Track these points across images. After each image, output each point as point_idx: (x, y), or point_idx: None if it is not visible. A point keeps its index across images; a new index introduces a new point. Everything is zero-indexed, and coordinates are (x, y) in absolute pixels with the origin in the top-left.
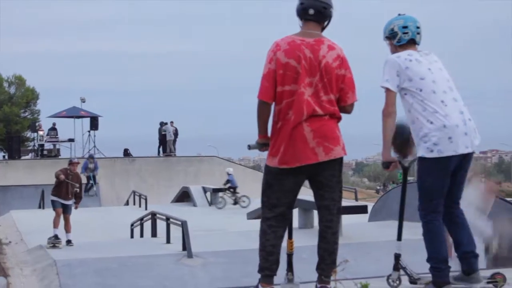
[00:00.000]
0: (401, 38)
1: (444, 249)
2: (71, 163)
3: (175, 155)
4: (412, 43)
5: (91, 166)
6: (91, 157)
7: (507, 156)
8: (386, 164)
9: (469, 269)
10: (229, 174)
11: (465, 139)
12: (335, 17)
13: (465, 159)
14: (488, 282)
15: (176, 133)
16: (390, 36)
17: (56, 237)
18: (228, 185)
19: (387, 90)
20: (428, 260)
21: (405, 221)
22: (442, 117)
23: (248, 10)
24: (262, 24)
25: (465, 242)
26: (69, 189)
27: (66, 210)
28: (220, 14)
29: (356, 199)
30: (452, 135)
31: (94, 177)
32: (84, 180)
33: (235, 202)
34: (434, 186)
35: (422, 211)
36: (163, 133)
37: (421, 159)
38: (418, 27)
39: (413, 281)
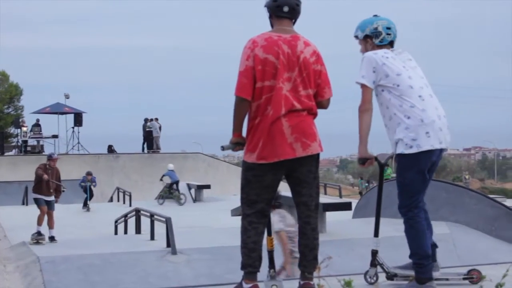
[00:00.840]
0: (384, 39)
1: (427, 245)
2: (50, 158)
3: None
4: (390, 45)
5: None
6: (89, 174)
7: (490, 153)
8: (362, 160)
9: (431, 258)
10: (168, 170)
11: (440, 134)
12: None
13: (438, 155)
14: (464, 279)
15: (159, 129)
16: (372, 34)
17: (39, 233)
18: (168, 181)
19: (363, 86)
20: (411, 256)
21: (388, 218)
22: (420, 112)
23: (233, 6)
24: (248, 20)
25: (427, 235)
26: (50, 185)
27: (49, 206)
28: (208, 9)
29: (340, 196)
30: (429, 129)
31: (91, 189)
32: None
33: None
34: (415, 182)
35: (403, 208)
36: (147, 129)
37: (400, 156)
38: (396, 30)
39: (389, 277)
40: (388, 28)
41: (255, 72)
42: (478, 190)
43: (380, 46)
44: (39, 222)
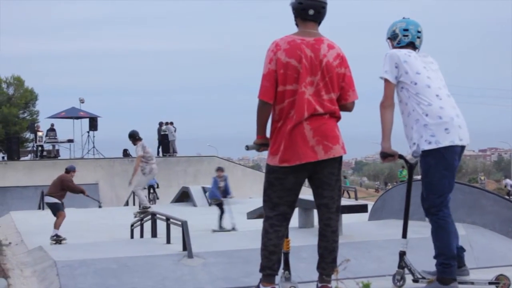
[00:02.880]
0: (401, 40)
1: (454, 246)
2: (74, 170)
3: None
4: (411, 46)
5: (221, 184)
6: (220, 169)
7: (506, 154)
8: (384, 154)
9: (459, 263)
10: None
11: (460, 131)
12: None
13: (460, 152)
14: (490, 283)
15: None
16: (392, 37)
17: (57, 235)
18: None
19: (386, 81)
20: (437, 257)
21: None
22: (438, 109)
23: (250, 9)
24: (263, 23)
25: (455, 238)
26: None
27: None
28: (221, 13)
29: (356, 198)
30: (448, 126)
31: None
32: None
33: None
34: (443, 180)
35: (433, 207)
36: (162, 133)
37: (424, 155)
38: (419, 31)
39: (416, 279)
40: (406, 30)
41: (277, 76)
42: (494, 191)
43: (400, 47)
44: (60, 226)
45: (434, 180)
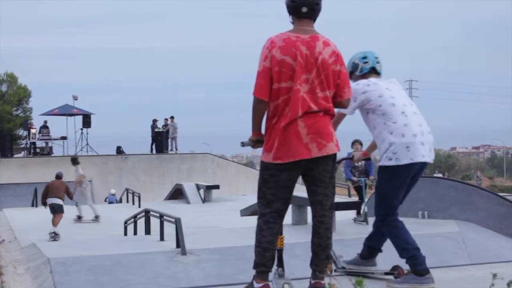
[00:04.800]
0: (363, 68)
1: (412, 239)
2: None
3: (177, 151)
4: (373, 72)
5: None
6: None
7: (499, 151)
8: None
9: (370, 255)
10: (110, 194)
11: (422, 148)
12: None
13: (419, 168)
14: (386, 273)
15: (167, 131)
16: (353, 69)
17: (55, 233)
18: None
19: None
20: (402, 255)
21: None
22: (402, 127)
23: (244, 5)
24: (258, 20)
25: (381, 242)
26: None
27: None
28: (213, 9)
29: (349, 195)
30: (410, 144)
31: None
32: None
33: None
34: (394, 193)
35: (380, 216)
36: (156, 130)
37: (381, 169)
38: (376, 57)
39: (336, 269)
40: (364, 58)
41: (272, 73)
42: (487, 188)
43: (364, 76)
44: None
45: (387, 193)
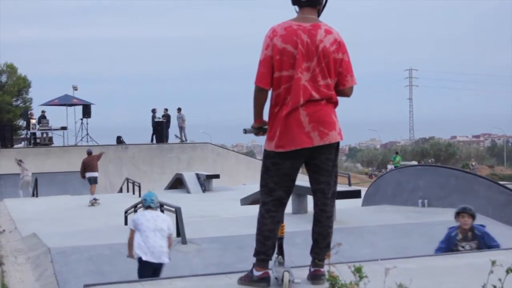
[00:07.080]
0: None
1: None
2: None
3: (186, 140)
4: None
5: None
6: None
7: (499, 140)
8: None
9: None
10: None
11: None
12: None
13: None
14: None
15: (168, 120)
16: None
17: (95, 199)
18: None
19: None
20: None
21: (397, 206)
22: None
23: None
24: (259, 8)
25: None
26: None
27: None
28: (214, 1)
29: (350, 184)
30: None
31: None
32: None
33: None
34: None
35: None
36: (156, 120)
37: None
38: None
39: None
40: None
41: (274, 62)
42: (487, 177)
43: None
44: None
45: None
